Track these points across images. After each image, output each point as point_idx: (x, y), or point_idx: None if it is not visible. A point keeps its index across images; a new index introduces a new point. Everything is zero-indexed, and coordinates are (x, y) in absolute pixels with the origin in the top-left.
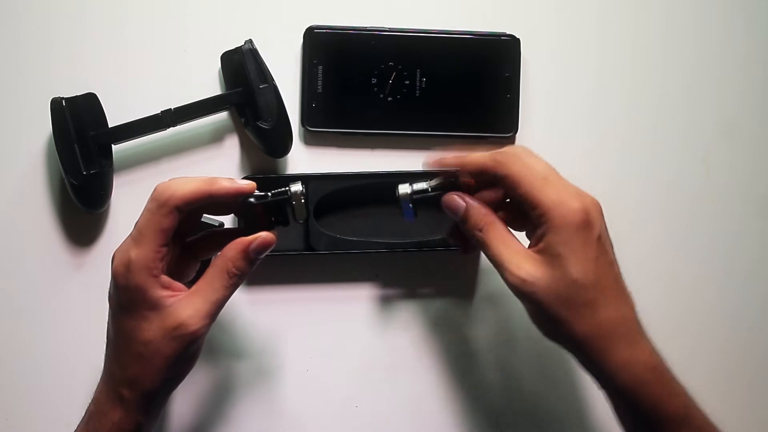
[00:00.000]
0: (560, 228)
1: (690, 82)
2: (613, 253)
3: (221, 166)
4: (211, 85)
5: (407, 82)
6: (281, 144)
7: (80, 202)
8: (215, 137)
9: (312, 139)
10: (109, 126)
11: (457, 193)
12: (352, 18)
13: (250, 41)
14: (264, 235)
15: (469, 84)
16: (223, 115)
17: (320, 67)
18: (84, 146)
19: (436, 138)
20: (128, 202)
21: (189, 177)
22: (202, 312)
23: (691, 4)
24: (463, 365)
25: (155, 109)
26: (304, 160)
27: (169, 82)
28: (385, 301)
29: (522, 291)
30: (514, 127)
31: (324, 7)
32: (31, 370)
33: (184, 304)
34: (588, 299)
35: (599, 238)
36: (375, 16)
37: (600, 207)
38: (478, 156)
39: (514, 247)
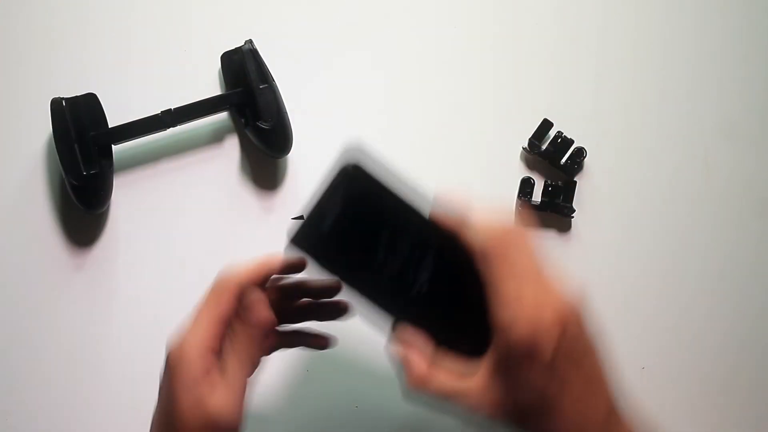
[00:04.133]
0: (504, 354)
1: (690, 82)
2: (590, 361)
3: (221, 166)
4: (211, 85)
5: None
6: (281, 144)
7: (80, 202)
8: (215, 137)
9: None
10: (109, 126)
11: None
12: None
13: (250, 41)
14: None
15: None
16: (223, 116)
17: (337, 209)
18: (84, 146)
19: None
20: (128, 202)
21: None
22: (231, 409)
23: (691, 4)
24: None
25: (155, 109)
26: None
27: (169, 82)
28: None
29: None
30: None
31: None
32: (31, 369)
33: (218, 398)
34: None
35: (551, 364)
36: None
37: (569, 318)
38: (472, 237)
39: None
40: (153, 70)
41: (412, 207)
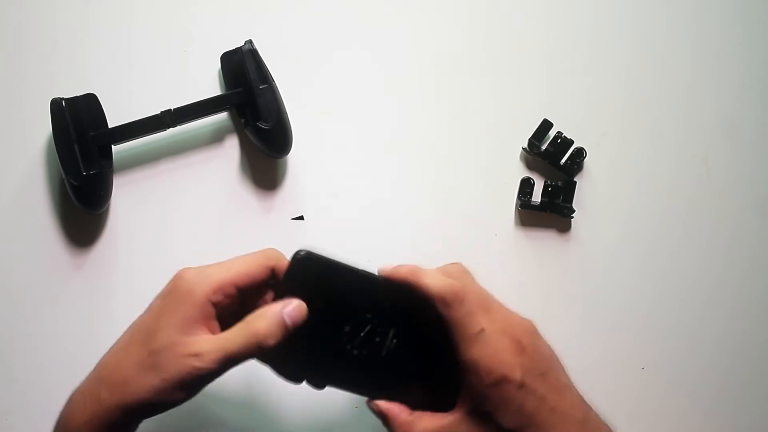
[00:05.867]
0: (478, 388)
1: (690, 81)
2: (553, 378)
3: (221, 167)
4: (211, 86)
5: (377, 339)
6: (281, 144)
7: (80, 202)
8: (215, 138)
9: None
10: (109, 126)
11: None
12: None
13: (250, 42)
14: (297, 302)
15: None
16: (223, 116)
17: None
18: (84, 147)
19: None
20: (128, 203)
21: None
22: (213, 356)
23: (691, 4)
24: None
25: (155, 110)
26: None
27: (169, 82)
28: None
29: None
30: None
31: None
32: (31, 369)
33: (206, 341)
34: None
35: (521, 384)
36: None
37: (526, 338)
38: (428, 284)
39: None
40: (153, 70)
41: (365, 278)
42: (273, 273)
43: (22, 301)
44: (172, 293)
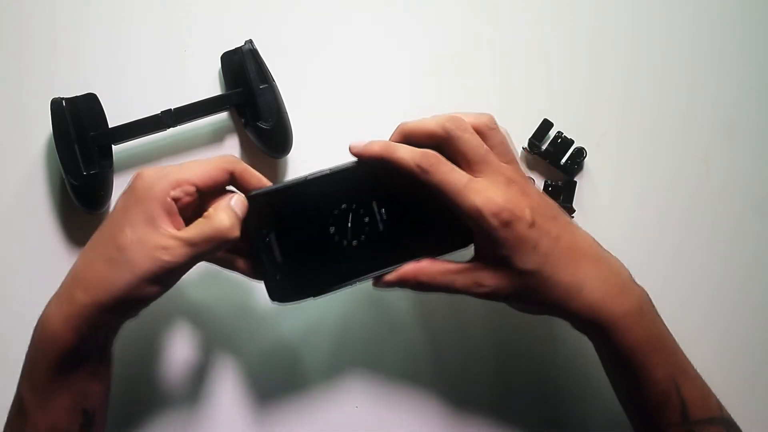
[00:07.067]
0: (487, 234)
1: (690, 81)
2: (563, 220)
3: None
4: (211, 85)
5: (366, 219)
6: (281, 144)
7: (80, 202)
8: (215, 137)
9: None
10: (109, 126)
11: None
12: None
13: (250, 41)
14: (238, 194)
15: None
16: (223, 116)
17: (272, 236)
18: (84, 146)
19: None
20: None
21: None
22: (180, 250)
23: (691, 3)
24: (463, 364)
25: (155, 109)
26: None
27: (169, 82)
28: (384, 300)
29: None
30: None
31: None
32: None
33: (172, 234)
34: (543, 273)
35: (532, 223)
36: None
37: (526, 181)
38: (403, 154)
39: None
40: (153, 70)
41: (327, 176)
42: (232, 176)
43: (22, 301)
44: (134, 191)
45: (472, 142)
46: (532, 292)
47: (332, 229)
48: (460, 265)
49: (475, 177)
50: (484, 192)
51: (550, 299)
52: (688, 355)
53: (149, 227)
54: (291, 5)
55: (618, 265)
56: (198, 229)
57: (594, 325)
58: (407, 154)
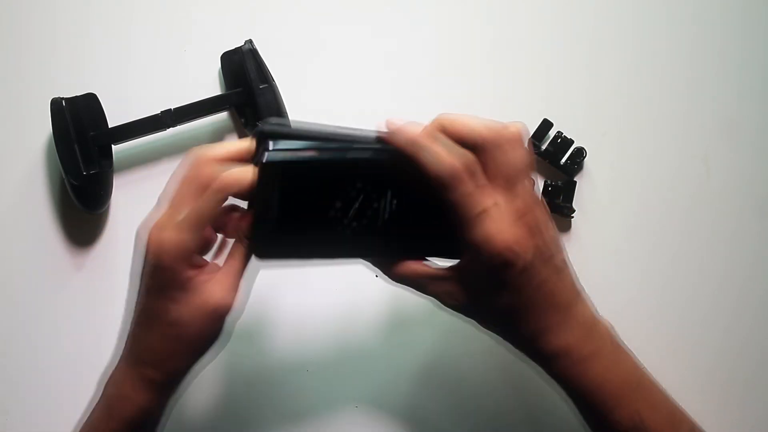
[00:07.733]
0: (480, 264)
1: (690, 81)
2: (555, 262)
3: None
4: (211, 85)
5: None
6: None
7: (80, 202)
8: (215, 137)
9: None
10: (109, 126)
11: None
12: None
13: (250, 41)
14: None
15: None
16: (223, 116)
17: (276, 193)
18: (84, 146)
19: None
20: (128, 203)
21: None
22: (232, 290)
23: (691, 3)
24: (464, 364)
25: (155, 109)
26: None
27: (169, 82)
28: (388, 301)
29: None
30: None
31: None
32: (31, 369)
33: (215, 284)
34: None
35: (524, 269)
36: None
37: (538, 210)
38: (426, 163)
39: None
40: (153, 70)
41: (353, 160)
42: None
43: (22, 301)
44: (156, 271)
45: (516, 162)
46: (498, 324)
47: (338, 204)
48: (437, 271)
49: (494, 191)
50: (494, 224)
51: (511, 336)
52: (688, 356)
53: (185, 292)
54: (291, 5)
55: (583, 309)
56: (230, 267)
57: (552, 370)
58: (431, 161)
